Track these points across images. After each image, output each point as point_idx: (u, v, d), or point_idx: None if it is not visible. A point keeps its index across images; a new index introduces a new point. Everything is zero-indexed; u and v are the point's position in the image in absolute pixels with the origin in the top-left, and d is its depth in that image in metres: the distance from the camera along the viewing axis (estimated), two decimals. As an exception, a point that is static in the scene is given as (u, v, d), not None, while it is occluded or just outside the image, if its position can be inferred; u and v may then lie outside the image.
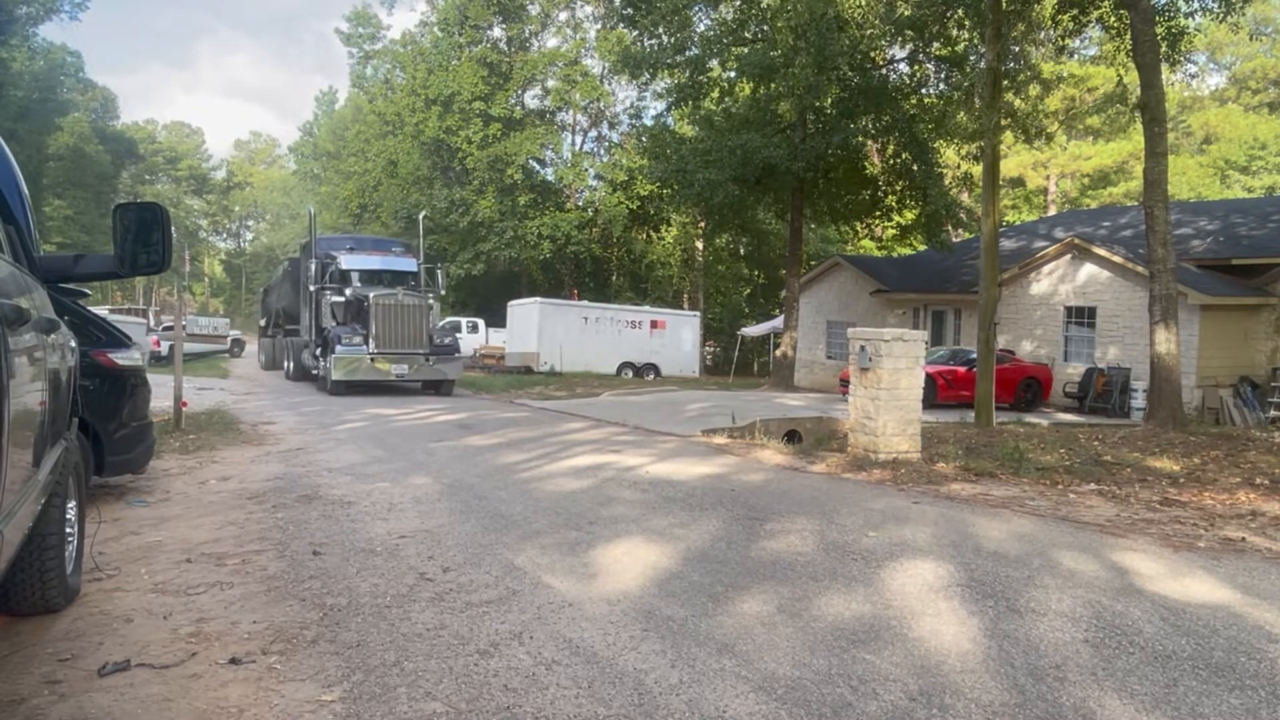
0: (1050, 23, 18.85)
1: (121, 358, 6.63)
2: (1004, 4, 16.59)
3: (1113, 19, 16.97)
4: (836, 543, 5.75)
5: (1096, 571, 5.16)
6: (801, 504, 7.12)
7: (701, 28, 25.70)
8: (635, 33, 25.93)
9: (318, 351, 19.22)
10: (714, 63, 25.33)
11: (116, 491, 7.14)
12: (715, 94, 26.03)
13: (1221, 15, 16.32)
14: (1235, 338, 20.31)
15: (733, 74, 25.39)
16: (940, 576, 4.97)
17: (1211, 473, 9.32)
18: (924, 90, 24.40)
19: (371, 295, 18.14)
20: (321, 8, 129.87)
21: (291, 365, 22.87)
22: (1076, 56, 32.22)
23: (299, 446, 10.11)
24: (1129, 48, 15.22)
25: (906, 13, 20.51)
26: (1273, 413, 19.01)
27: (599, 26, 41.94)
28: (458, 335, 22.50)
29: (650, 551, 5.43)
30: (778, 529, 6.13)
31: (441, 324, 24.27)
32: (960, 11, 19.42)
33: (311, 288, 19.51)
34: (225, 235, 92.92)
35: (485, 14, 40.39)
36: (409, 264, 20.76)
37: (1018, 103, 21.10)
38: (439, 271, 21.61)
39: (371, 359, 17.72)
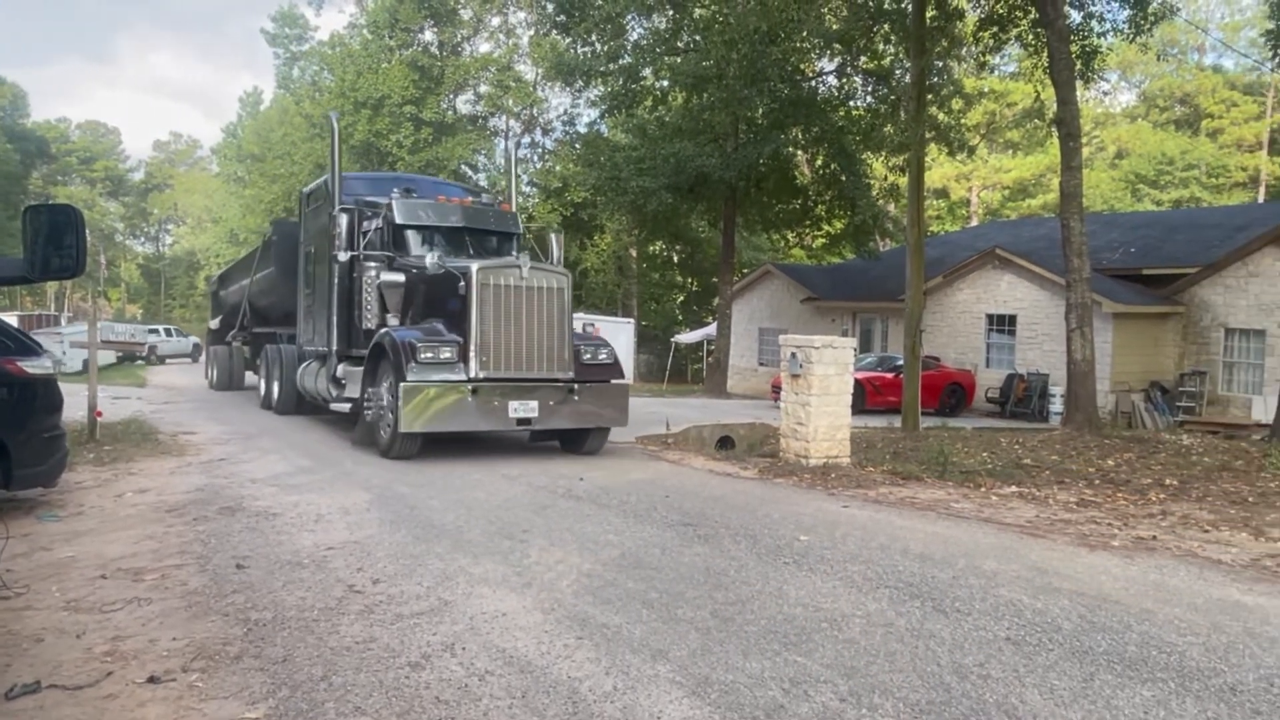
0: (972, 39, 19.51)
1: (31, 366, 6.35)
2: (927, 20, 17.10)
3: (1031, 37, 17.63)
4: (769, 547, 5.82)
5: (1018, 571, 5.32)
6: (735, 509, 7.18)
7: (634, 36, 25.88)
8: (568, 40, 25.97)
9: (339, 371, 11.45)
10: (647, 71, 25.50)
11: (26, 505, 6.83)
12: (649, 102, 26.20)
13: (1132, 36, 17.10)
14: (1146, 344, 21.21)
15: (666, 83, 25.59)
16: (869, 578, 5.07)
17: (1124, 474, 9.71)
18: (852, 103, 24.96)
19: (475, 269, 9.65)
20: (249, 3, 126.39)
21: (279, 389, 14.65)
22: (997, 72, 33.33)
23: (221, 457, 9.81)
24: (1046, 65, 15.82)
25: (835, 26, 20.95)
26: (1181, 416, 19.89)
27: (532, 33, 41.86)
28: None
29: (585, 559, 5.41)
30: (711, 534, 6.18)
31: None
32: (886, 26, 19.92)
33: (341, 257, 11.13)
34: (143, 239, 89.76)
35: (416, 17, 39.94)
36: (508, 223, 12.08)
37: (941, 116, 21.78)
38: (554, 238, 12.20)
39: (474, 389, 9.46)
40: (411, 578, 4.95)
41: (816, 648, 3.92)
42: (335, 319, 11.67)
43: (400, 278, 10.86)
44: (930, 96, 19.74)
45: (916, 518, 7.05)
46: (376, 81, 38.64)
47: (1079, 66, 16.30)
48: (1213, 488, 8.85)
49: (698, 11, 24.51)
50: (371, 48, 40.70)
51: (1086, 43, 16.93)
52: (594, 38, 24.74)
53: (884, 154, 23.72)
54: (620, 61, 24.81)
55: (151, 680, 3.47)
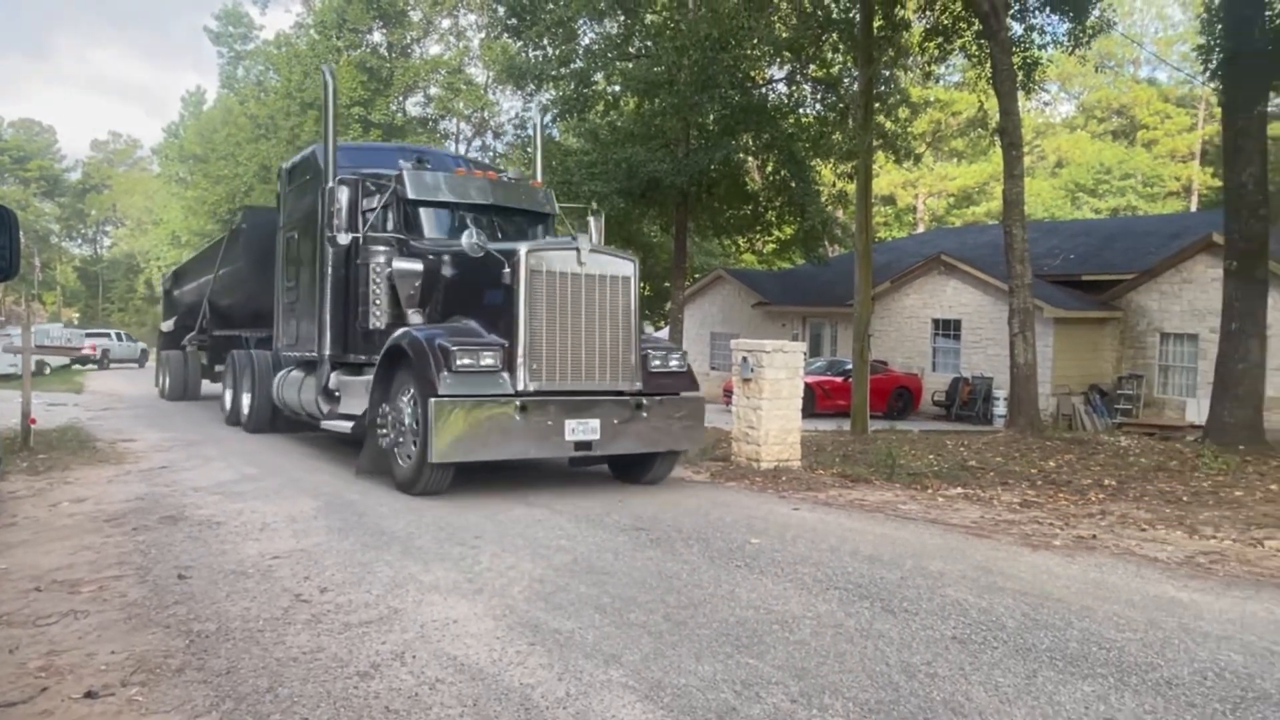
0: (918, 49, 19.93)
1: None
2: (874, 30, 17.40)
3: (974, 48, 18.06)
4: (721, 550, 5.85)
5: (963, 571, 5.43)
6: (687, 512, 7.21)
7: (586, 41, 25.88)
8: (519, 43, 25.88)
9: (331, 381, 9.74)
10: (599, 76, 25.50)
11: (-46, 517, 6.59)
12: (600, 107, 26.20)
13: (1071, 48, 17.62)
14: (1085, 348, 21.79)
15: (617, 88, 25.63)
16: (820, 580, 5.12)
17: (1065, 475, 9.95)
18: (801, 110, 25.24)
19: (523, 251, 7.79)
20: (193, 1, 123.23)
21: (250, 402, 12.83)
22: (942, 82, 33.99)
23: (163, 465, 9.56)
24: (989, 75, 16.21)
25: (784, 34, 21.21)
26: (1119, 418, 20.47)
27: (483, 35, 41.65)
28: None
29: (537, 565, 5.39)
30: (663, 538, 6.19)
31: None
32: (834, 35, 20.25)
33: (340, 240, 9.13)
34: (80, 241, 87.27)
35: (365, 18, 39.51)
36: (541, 201, 10.43)
37: (888, 124, 22.18)
38: (592, 221, 10.74)
39: (522, 405, 7.58)
40: (360, 586, 4.88)
41: (768, 649, 3.95)
42: (328, 318, 9.74)
43: (416, 265, 8.92)
44: (878, 105, 20.11)
45: (865, 519, 7.15)
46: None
47: (1020, 77, 16.72)
48: (1149, 488, 9.12)
49: (649, 17, 24.60)
50: (319, 48, 40.14)
51: (1028, 54, 17.39)
52: (545, 41, 24.68)
53: (833, 161, 24.03)
54: (572, 66, 24.79)
55: (89, 695, 3.37)
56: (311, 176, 10.53)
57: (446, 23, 43.75)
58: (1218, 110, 15.47)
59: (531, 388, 7.64)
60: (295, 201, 11.34)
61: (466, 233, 8.36)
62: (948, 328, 23.64)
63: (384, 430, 8.12)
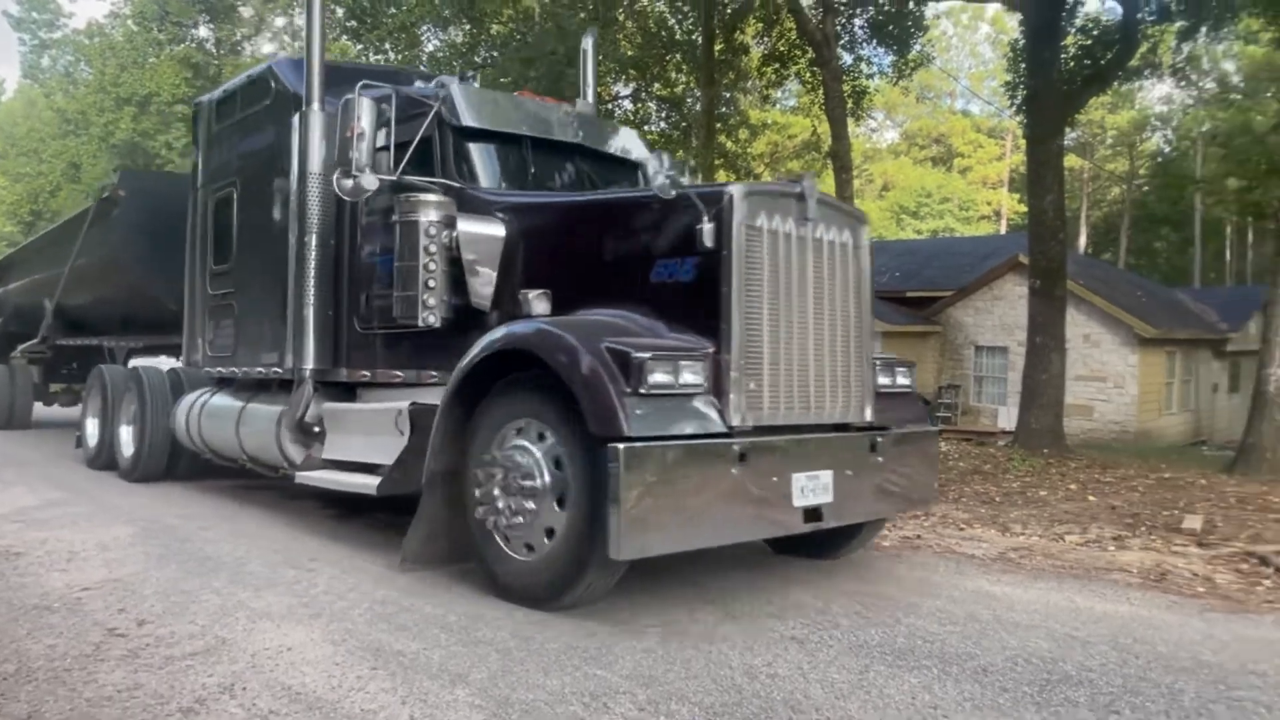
0: (757, 73, 20.78)
1: None
2: (716, 53, 18.00)
3: (808, 75, 19.02)
4: (569, 563, 5.84)
5: (802, 574, 5.66)
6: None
7: (430, 48, 25.42)
8: (360, 46, 25.12)
9: (310, 413, 6.62)
10: (444, 84, 25.09)
11: None
12: (445, 115, 25.76)
13: (895, 79, 18.87)
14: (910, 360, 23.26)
15: (463, 97, 25.28)
16: (669, 587, 5.20)
17: (893, 480, 10.55)
18: (646, 127, 25.73)
19: (736, 194, 4.51)
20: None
21: (136, 438, 9.23)
22: (779, 106, 35.53)
23: (-50, 491, 8.61)
24: (822, 101, 17.10)
25: (630, 53, 21.58)
26: (940, 425, 21.93)
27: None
28: None
29: (380, 586, 5.21)
30: (511, 553, 6.12)
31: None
32: (678, 56, 20.80)
33: (366, 184, 5.56)
34: None
35: (190, 11, 37.27)
36: (631, 145, 7.20)
37: (729, 144, 22.96)
38: (681, 176, 5.94)
39: (740, 452, 4.35)
40: (184, 616, 4.56)
41: (616, 660, 3.97)
42: (310, 314, 6.57)
43: (496, 229, 5.52)
44: (719, 125, 20.80)
45: (710, 528, 7.31)
46: (143, 77, 35.64)
47: (850, 104, 17.74)
48: (967, 489, 9.82)
49: (495, 28, 24.42)
50: (137, 40, 37.53)
51: (857, 83, 18.48)
52: (387, 46, 24.05)
53: (677, 178, 24.58)
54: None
55: None
56: (271, 103, 7.42)
57: (281, 21, 41.89)
58: (1023, 142, 16.94)
59: (749, 422, 4.59)
60: (233, 145, 8.05)
61: (653, 156, 5.06)
62: (786, 341, 24.65)
63: (483, 497, 4.86)
